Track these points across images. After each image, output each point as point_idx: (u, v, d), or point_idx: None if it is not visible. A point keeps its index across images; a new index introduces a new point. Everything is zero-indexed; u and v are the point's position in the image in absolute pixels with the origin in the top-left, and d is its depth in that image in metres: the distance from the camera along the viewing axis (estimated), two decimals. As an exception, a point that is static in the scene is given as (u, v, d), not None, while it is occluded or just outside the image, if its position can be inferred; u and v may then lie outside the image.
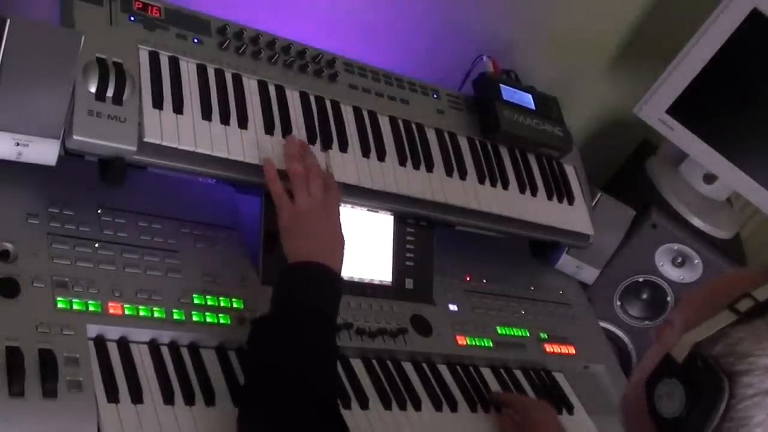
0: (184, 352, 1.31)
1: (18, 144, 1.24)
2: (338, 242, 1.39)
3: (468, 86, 1.89)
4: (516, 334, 1.75)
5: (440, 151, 1.69)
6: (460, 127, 1.77)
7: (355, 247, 1.42)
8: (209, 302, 1.37)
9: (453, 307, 1.70)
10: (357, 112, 1.61)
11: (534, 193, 1.81)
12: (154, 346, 1.29)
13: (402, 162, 1.61)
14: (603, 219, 1.95)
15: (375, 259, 1.61)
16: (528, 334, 1.77)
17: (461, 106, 1.80)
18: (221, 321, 1.36)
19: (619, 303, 2.17)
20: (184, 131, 1.36)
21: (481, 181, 1.72)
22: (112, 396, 1.18)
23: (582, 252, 1.95)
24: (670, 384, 0.90)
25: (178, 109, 1.37)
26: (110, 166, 1.30)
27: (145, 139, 1.31)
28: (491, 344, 1.68)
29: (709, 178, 2.19)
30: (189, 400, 1.24)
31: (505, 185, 1.76)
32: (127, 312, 1.28)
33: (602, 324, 2.07)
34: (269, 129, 1.46)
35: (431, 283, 1.68)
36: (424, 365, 1.57)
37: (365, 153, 1.57)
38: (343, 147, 1.54)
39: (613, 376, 1.85)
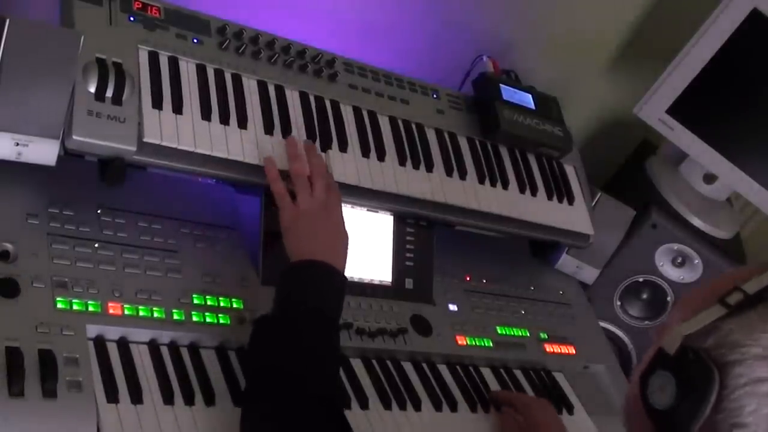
0: (184, 353, 1.31)
1: (18, 144, 1.24)
2: (341, 240, 1.39)
3: (468, 86, 1.89)
4: (516, 334, 1.75)
5: (440, 151, 1.69)
6: (460, 127, 1.77)
7: (355, 247, 1.42)
8: (209, 302, 1.37)
9: (453, 307, 1.69)
10: (357, 112, 1.61)
11: (534, 193, 1.81)
12: (153, 346, 1.29)
13: (402, 162, 1.61)
14: (603, 219, 1.95)
15: (375, 259, 1.61)
16: (528, 334, 1.77)
17: (461, 106, 1.80)
18: (221, 321, 1.36)
19: (619, 303, 2.17)
20: (184, 131, 1.36)
21: (481, 181, 1.72)
22: (112, 396, 1.18)
23: (582, 252, 1.95)
24: (662, 376, 0.90)
25: (177, 109, 1.37)
26: (110, 166, 1.30)
27: (145, 140, 1.31)
28: (491, 344, 1.68)
29: (709, 178, 2.19)
30: (189, 400, 1.24)
31: (505, 185, 1.76)
32: (126, 312, 1.28)
33: (602, 324, 2.07)
34: (269, 129, 1.46)
35: (431, 283, 1.68)
36: (424, 365, 1.56)
37: (365, 153, 1.57)
38: (343, 147, 1.54)
39: (613, 376, 1.85)
